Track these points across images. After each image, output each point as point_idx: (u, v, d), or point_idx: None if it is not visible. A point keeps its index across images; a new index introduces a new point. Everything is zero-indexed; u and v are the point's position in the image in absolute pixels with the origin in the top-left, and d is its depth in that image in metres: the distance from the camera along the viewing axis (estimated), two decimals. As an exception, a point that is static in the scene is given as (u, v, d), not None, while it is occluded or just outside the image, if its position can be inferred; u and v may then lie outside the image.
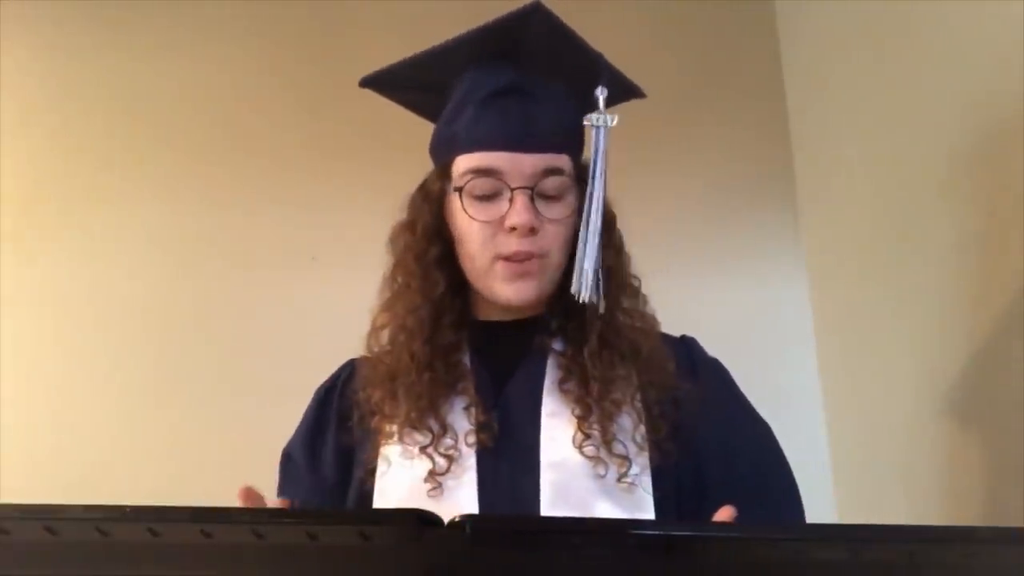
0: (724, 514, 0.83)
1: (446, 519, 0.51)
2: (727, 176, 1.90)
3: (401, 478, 0.91)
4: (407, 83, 1.01)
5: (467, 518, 0.50)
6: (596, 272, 0.89)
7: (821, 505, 1.69)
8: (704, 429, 0.94)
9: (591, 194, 0.90)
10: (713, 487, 0.92)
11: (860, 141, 1.62)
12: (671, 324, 1.05)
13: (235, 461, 1.74)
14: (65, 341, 1.83)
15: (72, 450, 1.76)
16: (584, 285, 0.89)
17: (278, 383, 1.77)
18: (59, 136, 1.93)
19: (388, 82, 1.01)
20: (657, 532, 0.55)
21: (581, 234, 0.90)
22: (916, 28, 1.40)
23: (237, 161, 1.92)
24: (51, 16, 1.97)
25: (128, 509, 0.50)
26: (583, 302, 0.89)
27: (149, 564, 0.53)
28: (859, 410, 1.62)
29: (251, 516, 0.51)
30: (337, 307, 1.83)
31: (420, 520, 0.51)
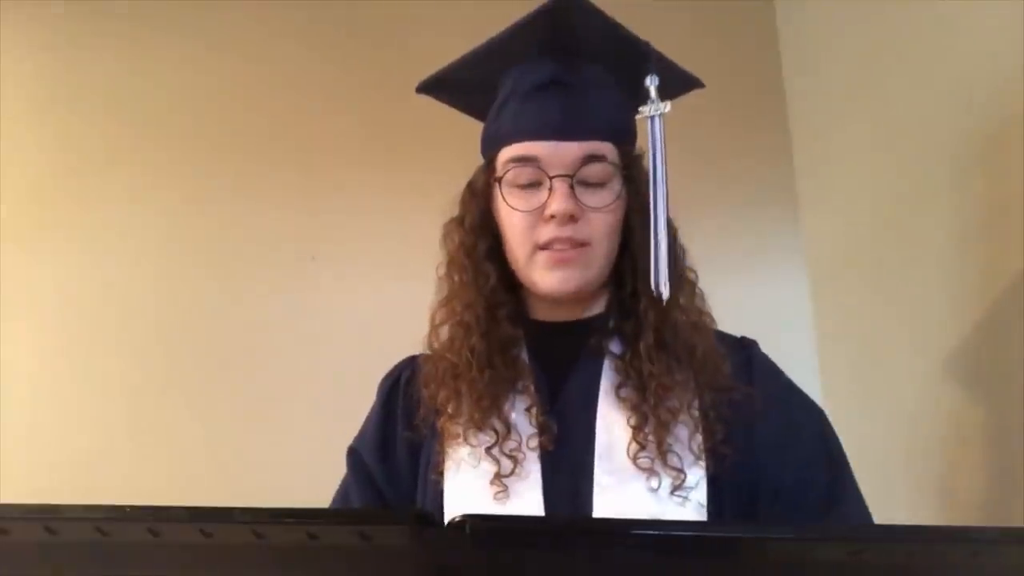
0: None
1: None
2: (727, 176, 1.91)
3: (468, 481, 0.91)
4: (459, 85, 1.01)
5: (467, 518, 0.50)
6: (669, 264, 0.88)
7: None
8: (761, 430, 0.92)
9: (655, 185, 0.89)
10: (769, 491, 0.90)
11: (860, 140, 1.62)
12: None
13: (235, 461, 1.75)
14: (64, 341, 1.83)
15: (72, 450, 1.76)
16: (661, 279, 0.87)
17: (278, 383, 1.78)
18: (59, 136, 1.93)
19: (441, 86, 1.02)
20: (657, 532, 0.55)
21: (652, 229, 0.88)
22: (916, 27, 1.40)
23: (237, 161, 1.92)
24: (51, 16, 1.97)
25: (128, 509, 0.50)
26: (659, 296, 0.88)
27: (149, 564, 0.53)
28: (859, 410, 1.62)
29: (251, 516, 0.51)
30: (337, 307, 1.84)
31: (420, 520, 0.51)
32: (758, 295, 1.85)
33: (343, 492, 1.02)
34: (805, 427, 0.96)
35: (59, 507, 0.50)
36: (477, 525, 0.51)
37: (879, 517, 0.95)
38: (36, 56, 1.97)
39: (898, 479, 1.47)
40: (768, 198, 1.91)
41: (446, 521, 0.51)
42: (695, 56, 2.03)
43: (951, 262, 1.30)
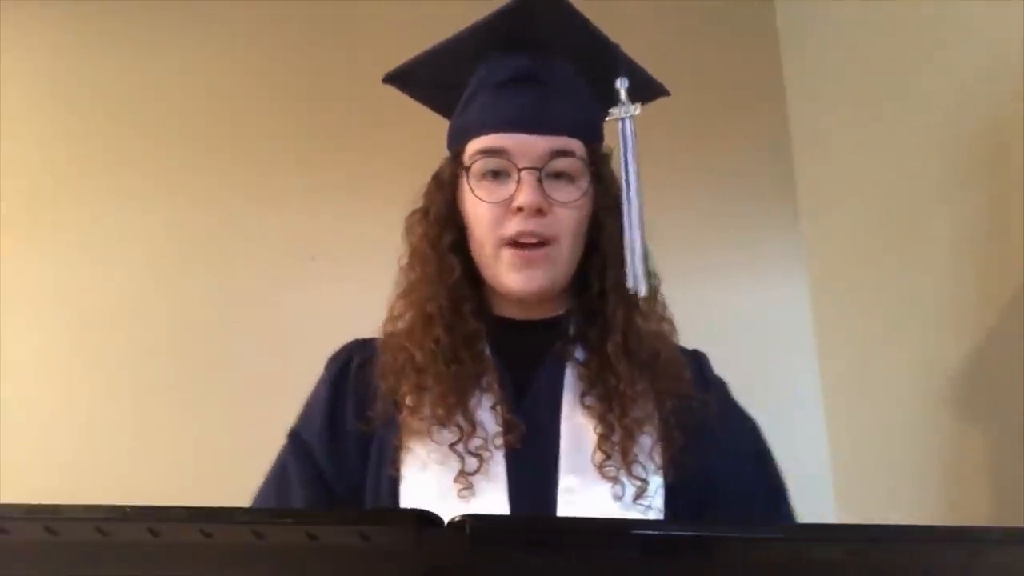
0: None
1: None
2: (727, 176, 1.90)
3: (432, 478, 0.89)
4: (427, 78, 1.01)
5: (467, 518, 0.50)
6: (647, 265, 0.89)
7: (821, 505, 1.68)
8: (711, 444, 0.93)
9: (628, 186, 0.89)
10: (714, 500, 0.92)
11: (860, 141, 1.62)
12: (671, 325, 1.04)
13: (235, 461, 1.73)
14: (64, 341, 1.83)
15: (73, 450, 1.75)
16: (638, 280, 0.88)
17: (277, 383, 1.77)
18: (60, 135, 1.93)
19: (408, 78, 1.01)
20: (658, 533, 0.55)
21: (627, 228, 0.88)
22: (916, 28, 1.40)
23: (237, 161, 1.92)
24: (51, 16, 1.97)
25: (128, 509, 0.50)
26: (635, 293, 0.89)
27: (149, 564, 0.53)
28: (859, 410, 1.62)
29: (251, 516, 0.51)
30: (337, 307, 1.83)
31: (420, 520, 0.51)
32: (758, 297, 1.85)
33: (278, 477, 0.97)
34: (749, 441, 0.99)
35: (59, 507, 0.50)
36: (477, 525, 0.51)
37: (878, 518, 0.96)
38: (36, 56, 1.97)
39: (897, 480, 1.47)
40: (768, 199, 1.91)
41: (446, 521, 0.51)
42: (695, 56, 2.05)
43: (951, 263, 1.30)
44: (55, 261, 1.87)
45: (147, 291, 1.86)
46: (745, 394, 1.05)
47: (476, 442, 0.89)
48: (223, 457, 1.74)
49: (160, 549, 0.51)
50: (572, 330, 0.96)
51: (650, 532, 0.55)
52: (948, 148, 1.30)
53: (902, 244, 1.45)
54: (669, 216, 1.90)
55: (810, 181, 1.86)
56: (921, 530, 0.56)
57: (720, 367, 1.05)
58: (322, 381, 1.02)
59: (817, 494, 1.67)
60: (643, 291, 0.89)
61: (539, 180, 0.90)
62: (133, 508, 0.50)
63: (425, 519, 0.50)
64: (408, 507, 0.88)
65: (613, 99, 0.92)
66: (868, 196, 1.59)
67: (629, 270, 0.88)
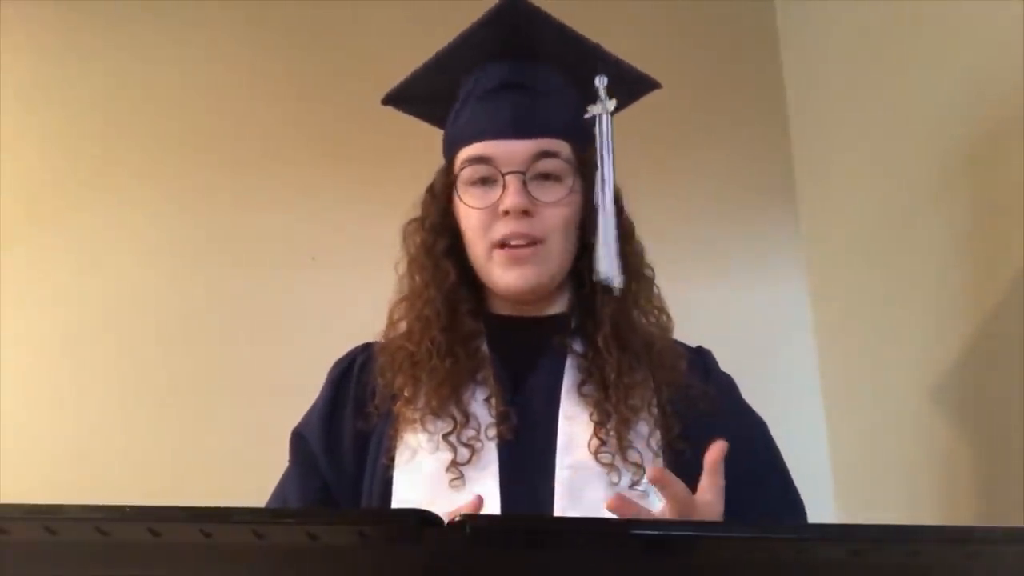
0: (715, 450, 0.81)
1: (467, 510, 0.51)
2: (727, 176, 1.90)
3: (423, 466, 0.91)
4: (422, 94, 1.04)
5: (467, 518, 0.51)
6: (618, 254, 0.91)
7: (821, 505, 1.68)
8: (712, 433, 0.92)
9: (602, 179, 0.92)
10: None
11: (860, 141, 1.62)
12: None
13: (235, 461, 1.74)
14: (65, 341, 1.83)
15: (72, 450, 1.75)
16: (609, 268, 0.90)
17: (278, 383, 1.77)
18: (60, 136, 1.93)
19: (405, 96, 1.05)
20: (657, 532, 0.55)
21: (600, 221, 0.91)
22: (916, 28, 1.40)
23: (237, 161, 1.92)
24: (52, 16, 1.97)
25: (128, 509, 0.50)
26: (605, 285, 0.92)
27: (149, 564, 0.53)
28: (859, 409, 1.62)
29: (251, 516, 0.51)
30: (337, 307, 1.83)
31: (420, 520, 0.51)
32: (758, 296, 1.85)
33: (285, 476, 1.02)
34: (755, 436, 1.01)
35: (59, 507, 0.50)
36: (477, 525, 0.51)
37: (878, 518, 0.96)
38: (34, 58, 1.96)
39: (897, 480, 1.47)
40: (768, 198, 1.90)
41: (446, 521, 0.51)
42: (695, 56, 2.05)
43: (951, 261, 1.30)
44: (54, 262, 1.86)
45: (147, 291, 1.85)
46: (745, 393, 1.06)
47: (469, 433, 0.91)
48: (223, 457, 1.74)
49: (160, 549, 0.51)
50: (573, 323, 0.99)
51: (649, 532, 0.55)
52: (948, 148, 1.30)
53: (902, 244, 1.45)
54: (669, 216, 1.91)
55: (810, 181, 1.86)
56: (921, 530, 0.56)
57: (720, 366, 1.06)
58: (325, 383, 1.05)
59: (817, 494, 1.66)
60: (616, 282, 0.91)
61: (523, 183, 0.93)
62: (133, 508, 0.50)
63: (425, 519, 0.51)
64: (408, 507, 0.89)
65: (595, 97, 0.94)
66: (868, 196, 1.59)
67: (600, 262, 0.91)
